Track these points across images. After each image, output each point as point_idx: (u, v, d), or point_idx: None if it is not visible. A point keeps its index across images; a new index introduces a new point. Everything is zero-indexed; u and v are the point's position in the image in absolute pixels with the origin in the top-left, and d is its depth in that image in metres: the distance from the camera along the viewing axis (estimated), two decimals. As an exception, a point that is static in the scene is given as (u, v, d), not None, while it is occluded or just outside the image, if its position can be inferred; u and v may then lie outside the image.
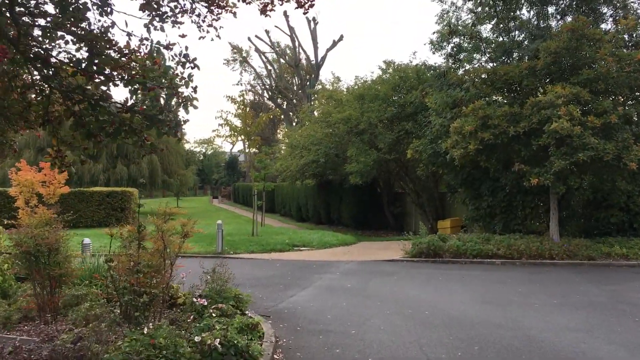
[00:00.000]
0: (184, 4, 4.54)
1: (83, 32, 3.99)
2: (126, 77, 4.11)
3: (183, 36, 4.50)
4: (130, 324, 6.21)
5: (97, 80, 4.11)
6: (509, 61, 16.30)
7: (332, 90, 27.42)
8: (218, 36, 4.85)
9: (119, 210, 25.36)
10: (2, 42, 3.72)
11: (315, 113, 28.95)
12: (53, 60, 4.22)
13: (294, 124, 42.40)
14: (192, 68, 4.41)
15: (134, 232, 6.73)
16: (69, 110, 4.25)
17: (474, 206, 17.41)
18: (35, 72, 4.34)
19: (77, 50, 4.43)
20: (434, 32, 18.26)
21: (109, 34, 4.10)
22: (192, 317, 6.68)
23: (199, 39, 4.80)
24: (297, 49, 47.16)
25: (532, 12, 17.02)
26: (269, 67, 51.00)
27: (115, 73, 4.39)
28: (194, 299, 7.08)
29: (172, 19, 4.50)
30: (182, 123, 4.44)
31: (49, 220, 7.90)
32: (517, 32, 16.94)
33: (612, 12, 16.40)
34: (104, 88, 4.23)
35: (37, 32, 4.26)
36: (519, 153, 13.85)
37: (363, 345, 6.68)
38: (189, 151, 70.61)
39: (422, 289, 10.57)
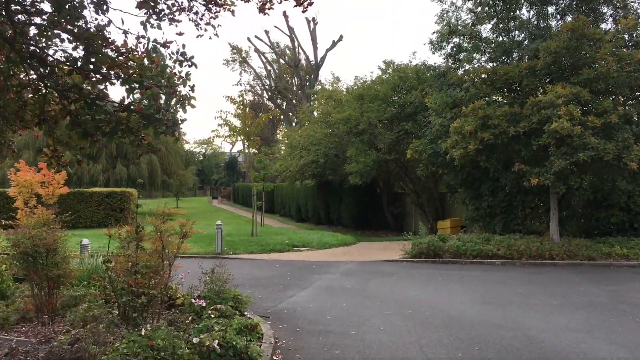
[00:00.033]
0: (182, 2, 4.51)
1: (79, 31, 3.94)
2: (123, 76, 4.06)
3: (180, 34, 4.46)
4: (128, 325, 6.17)
5: (93, 79, 4.07)
6: (508, 61, 16.27)
7: (331, 90, 27.40)
8: (216, 34, 4.81)
9: (119, 211, 25.29)
10: (-2, 40, 3.69)
11: (315, 113, 28.94)
12: (49, 59, 4.18)
13: (294, 124, 42.37)
14: (190, 66, 4.37)
15: (132, 232, 6.69)
16: (65, 109, 4.21)
17: (474, 206, 17.37)
18: (31, 71, 4.30)
19: (74, 49, 4.39)
20: (433, 32, 18.28)
21: (105, 32, 4.05)
22: (190, 318, 6.64)
23: (197, 37, 4.76)
24: (297, 50, 47.14)
25: (532, 12, 17.00)
26: (269, 68, 50.96)
27: (112, 72, 4.35)
28: (193, 300, 7.03)
29: (170, 17, 4.47)
30: (180, 122, 4.40)
31: (46, 220, 7.85)
32: (517, 32, 16.92)
33: (612, 11, 16.38)
34: (100, 87, 4.19)
35: (32, 30, 4.21)
36: (519, 153, 13.81)
37: (363, 346, 6.64)
38: (188, 151, 70.53)
39: (422, 289, 10.53)
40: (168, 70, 4.32)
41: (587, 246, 13.64)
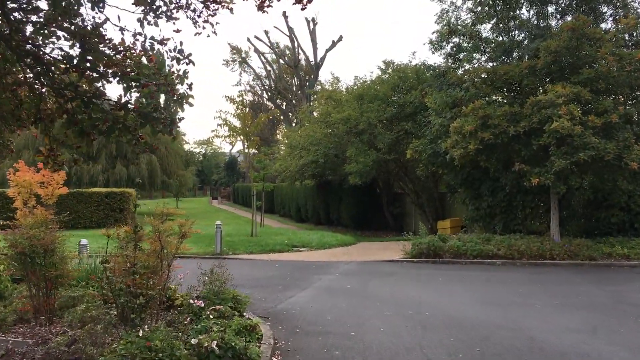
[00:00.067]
0: (179, -1, 4.46)
1: (76, 29, 3.89)
2: (119, 74, 4.01)
3: (178, 31, 4.41)
4: (126, 326, 6.12)
5: (89, 77, 4.02)
6: (508, 61, 16.23)
7: (331, 90, 27.36)
8: (214, 32, 4.76)
9: (118, 211, 25.24)
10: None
11: (315, 113, 28.90)
12: (45, 57, 4.12)
13: (293, 124, 42.32)
14: (187, 64, 4.31)
15: (131, 233, 6.64)
16: (61, 107, 4.15)
17: (474, 206, 17.33)
18: (27, 69, 4.25)
19: (71, 47, 4.34)
20: (433, 32, 18.22)
21: (102, 30, 4.00)
22: (189, 318, 6.59)
23: (195, 35, 4.71)
24: (297, 50, 47.08)
25: (531, 12, 16.96)
26: (268, 68, 50.90)
27: (109, 70, 4.30)
28: (191, 301, 6.98)
29: (167, 14, 4.41)
30: (177, 121, 4.34)
31: (44, 220, 7.80)
32: (516, 32, 16.88)
33: (612, 11, 16.34)
34: (97, 85, 4.14)
35: (29, 28, 4.16)
36: (519, 153, 13.77)
37: (363, 347, 6.59)
38: (188, 152, 70.48)
39: (422, 289, 10.49)
40: (166, 68, 4.26)
41: (588, 246, 13.60)
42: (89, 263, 9.65)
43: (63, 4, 3.71)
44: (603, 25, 16.09)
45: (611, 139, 12.66)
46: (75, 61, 3.91)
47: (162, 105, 4.62)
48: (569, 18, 15.75)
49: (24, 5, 4.25)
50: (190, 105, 4.35)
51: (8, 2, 4.13)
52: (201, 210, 47.92)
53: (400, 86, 22.03)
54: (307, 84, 45.96)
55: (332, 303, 9.22)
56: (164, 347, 5.23)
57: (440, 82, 17.47)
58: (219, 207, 56.02)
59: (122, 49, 4.48)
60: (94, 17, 4.17)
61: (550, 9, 16.77)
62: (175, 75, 4.49)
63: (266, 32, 52.16)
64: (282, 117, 52.26)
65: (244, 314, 7.71)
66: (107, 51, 4.38)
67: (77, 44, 3.94)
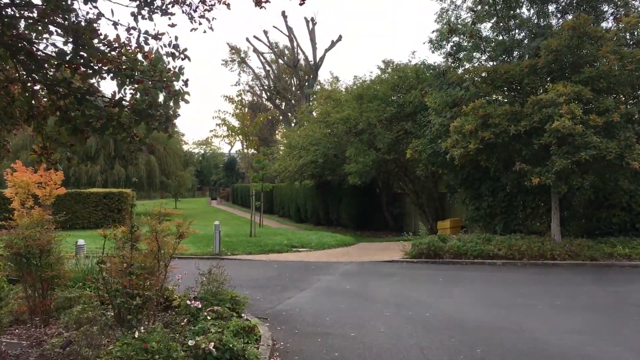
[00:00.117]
0: (175, -7, 4.36)
1: (69, 24, 3.80)
2: (113, 70, 3.92)
3: (173, 25, 4.31)
4: (122, 327, 6.03)
5: (83, 73, 3.93)
6: (509, 60, 16.15)
7: (330, 90, 27.29)
8: (211, 28, 4.66)
9: (116, 212, 25.14)
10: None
11: (314, 113, 28.81)
12: (38, 53, 4.03)
13: (293, 124, 42.23)
14: (183, 59, 4.22)
15: (128, 233, 6.56)
16: (54, 104, 4.06)
17: (474, 206, 17.25)
18: (19, 66, 4.15)
19: (65, 43, 4.24)
20: (433, 31, 18.13)
21: (95, 26, 3.90)
22: (185, 320, 6.49)
23: (191, 30, 4.61)
24: (296, 50, 46.99)
25: (532, 11, 16.89)
26: (268, 68, 50.80)
27: (105, 68, 4.20)
28: (188, 302, 6.89)
29: (162, 8, 4.32)
30: (173, 118, 4.25)
31: (40, 221, 7.72)
32: (517, 31, 16.80)
33: (612, 10, 16.27)
34: (91, 81, 4.04)
35: (21, 24, 4.06)
36: (520, 152, 13.69)
37: (363, 349, 6.50)
38: (187, 152, 70.45)
39: (422, 290, 10.40)
40: (160, 64, 4.16)
41: (589, 246, 13.52)
42: (85, 264, 9.56)
43: (55, -3, 3.62)
44: (603, 24, 16.03)
45: (612, 138, 12.58)
46: (68, 57, 3.81)
47: (160, 103, 4.51)
48: (570, 17, 15.67)
49: (17, 1, 4.16)
50: (186, 102, 4.26)
51: (-1, -2, 4.04)
52: (200, 210, 47.83)
53: (400, 86, 21.96)
54: (307, 84, 45.87)
55: (331, 304, 9.13)
56: (161, 349, 5.14)
57: (440, 82, 17.39)
58: (217, 207, 55.95)
59: (117, 45, 4.39)
60: (87, 13, 4.09)
61: (551, 7, 16.71)
62: (172, 73, 4.40)
63: (265, 32, 52.02)
64: (281, 117, 52.16)
65: (242, 315, 7.62)
66: (102, 47, 4.28)
67: (71, 40, 3.84)
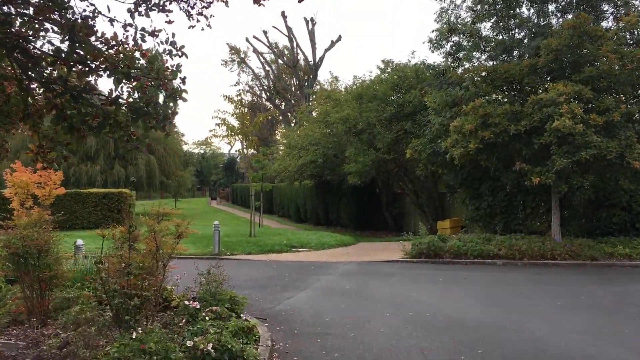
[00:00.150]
0: (173, -10, 4.30)
1: (64, 21, 3.75)
2: (109, 67, 3.87)
3: (170, 22, 4.26)
4: (121, 328, 5.99)
5: (77, 70, 3.88)
6: (509, 59, 16.10)
7: (330, 90, 27.24)
8: (209, 25, 4.61)
9: (116, 212, 25.07)
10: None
11: (314, 113, 28.78)
12: (34, 50, 3.98)
13: (292, 124, 42.19)
14: (180, 57, 4.17)
15: (126, 233, 6.51)
16: (50, 102, 4.02)
17: (474, 206, 17.20)
18: (15, 64, 4.10)
19: (62, 41, 4.20)
20: (433, 31, 18.06)
21: (91, 22, 3.85)
22: (184, 320, 6.45)
23: (189, 28, 4.56)
24: (295, 50, 46.93)
25: (532, 10, 16.84)
26: (267, 68, 50.76)
27: (102, 66, 4.16)
28: (187, 302, 6.85)
29: (160, 6, 4.27)
30: (170, 116, 4.20)
31: (38, 221, 7.67)
32: (516, 30, 16.75)
33: (612, 9, 16.22)
34: (87, 79, 3.99)
35: (17, 21, 4.02)
36: (520, 152, 13.65)
37: (362, 349, 6.45)
38: (187, 152, 70.42)
39: (422, 290, 10.35)
40: (157, 61, 4.11)
41: (590, 246, 13.48)
42: (84, 264, 9.52)
43: (51, -6, 3.57)
44: (603, 24, 15.98)
45: (613, 137, 12.54)
46: (64, 55, 3.77)
47: (160, 103, 4.46)
48: (570, 16, 15.62)
49: (13, -3, 4.11)
50: (184, 100, 4.21)
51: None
52: (200, 210, 47.78)
53: (399, 85, 21.92)
54: (306, 84, 45.84)
55: (331, 304, 9.08)
56: (159, 350, 5.09)
57: (440, 81, 17.35)
58: (217, 207, 55.89)
59: (114, 43, 4.34)
60: (84, 10, 4.04)
61: (551, 7, 16.65)
62: (170, 71, 4.36)
63: (265, 32, 52.00)
64: (280, 117, 52.13)
65: (242, 315, 7.57)
66: (100, 45, 4.24)
67: (67, 37, 3.79)
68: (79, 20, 3.88)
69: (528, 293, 9.83)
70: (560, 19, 16.23)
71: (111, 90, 4.07)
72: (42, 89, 4.16)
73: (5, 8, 4.09)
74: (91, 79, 4.12)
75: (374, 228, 26.14)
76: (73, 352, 5.11)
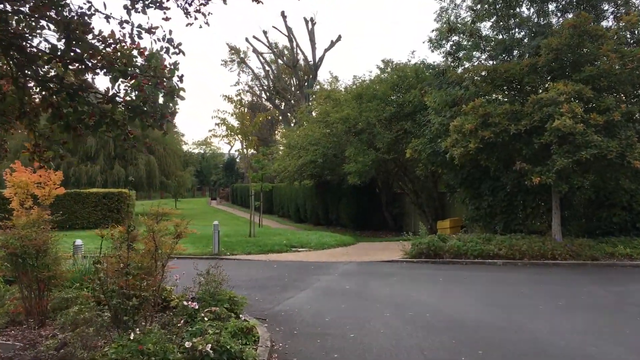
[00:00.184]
0: (170, -13, 4.26)
1: (63, 19, 3.71)
2: (106, 65, 3.83)
3: (167, 19, 4.22)
4: (119, 329, 5.95)
5: (73, 67, 3.84)
6: (508, 59, 16.06)
7: (330, 90, 27.21)
8: (207, 23, 4.56)
9: (115, 212, 25.04)
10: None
11: (313, 113, 28.75)
12: (29, 47, 3.94)
13: (292, 124, 42.16)
14: (177, 54, 4.13)
15: (125, 233, 6.47)
16: (46, 101, 3.98)
17: (474, 206, 17.16)
18: (10, 61, 4.06)
19: (59, 39, 4.16)
20: (432, 30, 18.02)
21: (87, 19, 3.81)
22: (182, 321, 6.40)
23: (187, 25, 4.52)
24: (295, 50, 46.87)
25: (532, 10, 16.79)
26: (267, 68, 50.70)
27: (99, 64, 4.12)
28: (185, 302, 6.80)
29: (157, 3, 4.22)
30: (168, 115, 4.16)
31: (36, 221, 7.63)
32: (517, 30, 16.71)
33: (613, 9, 16.18)
34: (83, 77, 3.96)
35: (14, 18, 3.98)
36: (520, 151, 13.61)
37: (362, 350, 6.42)
38: (187, 152, 70.34)
39: (422, 290, 10.32)
40: (154, 59, 4.07)
41: (590, 246, 13.44)
42: (83, 264, 9.48)
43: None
44: (604, 23, 15.93)
45: (613, 137, 12.50)
46: (60, 52, 3.73)
47: (159, 103, 4.41)
48: (570, 16, 15.58)
49: (11, -5, 4.07)
50: (182, 98, 4.17)
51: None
52: (200, 210, 47.73)
53: (399, 85, 21.87)
54: (306, 84, 45.79)
55: (331, 304, 9.05)
56: (157, 351, 5.06)
57: (440, 81, 17.30)
58: (217, 207, 55.85)
59: (112, 41, 4.30)
60: (81, 7, 4.00)
61: (551, 6, 16.61)
62: (168, 69, 4.31)
63: (265, 32, 51.92)
64: (280, 118, 52.09)
65: (241, 315, 7.53)
66: (97, 44, 4.20)
67: (63, 35, 3.75)
68: (75, 18, 3.84)
69: (528, 293, 9.79)
70: (561, 19, 16.19)
71: (108, 88, 4.03)
72: (39, 87, 4.11)
73: (1, 6, 4.05)
74: (88, 77, 4.08)
75: (373, 228, 26.10)
76: (70, 353, 5.08)
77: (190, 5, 4.39)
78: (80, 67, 3.91)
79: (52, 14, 3.81)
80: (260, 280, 11.65)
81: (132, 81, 3.88)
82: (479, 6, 17.01)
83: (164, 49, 4.11)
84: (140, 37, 4.06)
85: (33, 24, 4.14)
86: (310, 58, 46.21)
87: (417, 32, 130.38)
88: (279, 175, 27.11)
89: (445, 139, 14.86)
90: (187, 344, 5.30)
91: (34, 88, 4.26)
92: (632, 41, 15.34)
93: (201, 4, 4.42)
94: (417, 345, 6.55)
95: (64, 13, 3.81)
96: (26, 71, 3.94)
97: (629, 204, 15.06)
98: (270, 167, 26.82)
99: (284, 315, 8.29)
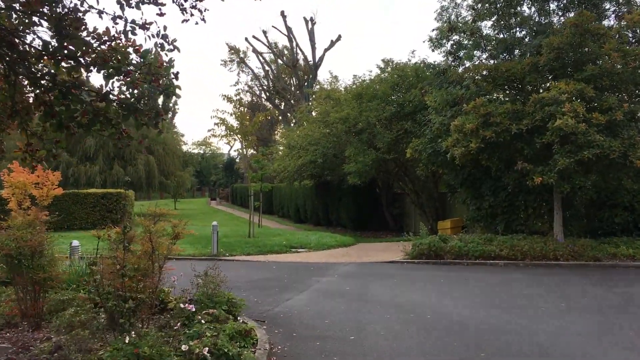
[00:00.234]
0: (164, -17, 4.15)
1: (52, 13, 3.61)
2: (99, 62, 3.72)
3: (161, 15, 4.10)
4: (115, 331, 5.85)
5: (66, 65, 3.74)
6: (510, 58, 15.96)
7: (330, 89, 27.09)
8: (203, 19, 4.45)
9: (114, 212, 24.94)
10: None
11: (313, 113, 28.65)
12: (22, 44, 3.84)
13: (292, 124, 42.06)
14: (172, 50, 4.03)
15: (121, 233, 6.37)
16: (38, 99, 3.87)
17: (475, 206, 17.06)
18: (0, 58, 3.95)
19: (52, 37, 4.05)
20: (433, 30, 17.91)
21: (80, 14, 3.71)
22: (179, 323, 6.30)
23: (182, 22, 4.40)
24: (295, 50, 46.80)
25: (533, 9, 16.70)
26: (267, 68, 50.62)
27: (92, 61, 4.01)
28: (181, 305, 6.70)
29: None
30: (163, 113, 4.05)
31: (32, 221, 7.53)
32: (517, 29, 16.61)
33: (614, 8, 16.08)
34: (77, 75, 3.85)
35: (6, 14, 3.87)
36: (522, 151, 13.51)
37: (362, 353, 6.31)
38: (186, 153, 70.20)
39: (423, 291, 10.22)
40: (149, 55, 3.96)
41: (592, 247, 13.33)
42: (80, 265, 9.38)
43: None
44: (605, 22, 15.81)
45: (616, 136, 12.39)
46: (50, 48, 3.62)
47: (154, 99, 4.30)
48: (571, 15, 15.48)
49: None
50: (177, 96, 4.07)
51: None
52: (199, 211, 47.64)
53: (399, 85, 21.77)
54: (306, 83, 45.71)
55: (330, 306, 8.94)
56: (153, 355, 4.96)
57: (441, 80, 17.20)
58: (217, 207, 55.75)
59: (107, 38, 4.19)
60: (75, 4, 3.89)
61: (552, 5, 16.51)
62: (163, 67, 4.21)
63: (264, 32, 51.87)
64: (280, 117, 52.00)
65: (239, 317, 7.44)
66: (92, 41, 4.10)
67: (54, 30, 3.64)
68: (68, 13, 3.73)
69: (531, 294, 9.68)
70: (562, 18, 16.10)
71: (101, 85, 3.93)
72: (30, 85, 4.01)
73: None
74: (83, 74, 3.97)
75: (374, 228, 26.00)
76: (65, 357, 4.98)
77: (186, 1, 4.28)
78: (72, 63, 3.81)
79: (45, 9, 3.70)
80: (259, 281, 11.54)
81: (127, 78, 3.78)
82: (479, 5, 16.90)
83: (159, 45, 4.01)
84: (134, 33, 3.95)
85: (26, 20, 4.03)
86: (310, 58, 46.15)
87: (417, 32, 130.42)
88: (278, 175, 27.01)
89: (446, 138, 14.76)
90: (184, 347, 5.21)
91: (27, 86, 4.16)
92: (634, 40, 15.22)
93: (197, 0, 4.31)
94: (419, 348, 6.45)
95: (57, 9, 3.70)
96: (18, 68, 3.83)
97: (631, 204, 14.95)
98: (270, 167, 26.72)
99: (283, 317, 8.19)
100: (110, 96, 3.91)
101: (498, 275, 11.88)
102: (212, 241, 16.05)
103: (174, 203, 51.37)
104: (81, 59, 3.76)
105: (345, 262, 14.44)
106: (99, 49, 4.09)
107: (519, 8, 16.56)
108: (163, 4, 4.06)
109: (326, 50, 46.19)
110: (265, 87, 52.84)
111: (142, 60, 3.88)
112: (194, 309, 6.64)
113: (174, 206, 48.08)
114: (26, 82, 4.42)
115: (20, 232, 7.12)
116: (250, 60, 77.17)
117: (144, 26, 3.93)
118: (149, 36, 3.96)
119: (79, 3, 4.03)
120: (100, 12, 3.87)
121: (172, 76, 4.01)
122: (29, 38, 4.22)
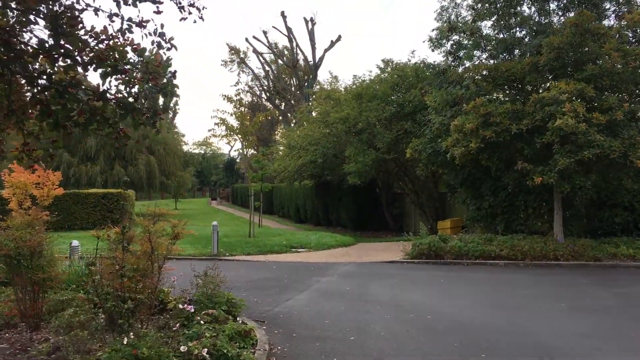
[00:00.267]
0: (162, -20, 4.12)
1: (47, 11, 3.58)
2: (95, 60, 3.70)
3: (159, 12, 4.07)
4: (114, 332, 5.82)
5: (62, 63, 3.71)
6: (510, 58, 15.93)
7: (330, 90, 27.07)
8: (201, 18, 4.42)
9: (115, 212, 24.91)
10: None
11: (313, 113, 28.63)
12: (19, 43, 3.81)
13: (292, 124, 42.04)
14: (169, 49, 4.01)
15: (120, 233, 6.34)
16: (34, 98, 3.85)
17: (475, 206, 17.03)
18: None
19: (50, 36, 4.03)
20: (433, 29, 17.87)
21: (75, 12, 3.68)
22: (178, 324, 6.28)
23: (180, 20, 4.38)
24: (295, 50, 46.78)
25: (533, 9, 16.67)
26: (267, 68, 50.61)
27: (89, 59, 3.99)
28: (180, 305, 6.68)
29: (150, -3, 4.10)
30: (160, 112, 4.03)
31: (31, 221, 7.51)
32: (517, 29, 16.58)
33: (614, 7, 16.05)
34: (73, 73, 3.83)
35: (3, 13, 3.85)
36: (522, 151, 13.48)
37: (362, 353, 6.29)
38: (187, 153, 70.21)
39: (423, 292, 10.19)
40: (146, 54, 3.94)
41: (593, 247, 13.30)
42: (79, 265, 9.36)
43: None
44: (605, 22, 15.78)
45: (616, 136, 12.37)
46: (47, 46, 3.60)
47: (151, 98, 4.28)
48: (571, 14, 15.45)
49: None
50: (175, 95, 4.05)
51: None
52: (200, 211, 47.64)
53: (399, 85, 21.75)
54: (306, 84, 45.69)
55: (330, 306, 8.92)
56: (152, 356, 4.93)
57: (440, 80, 17.17)
58: (217, 207, 55.74)
59: (104, 37, 4.17)
60: (72, 2, 3.87)
61: (552, 5, 16.47)
62: (160, 65, 4.18)
63: (265, 33, 51.82)
64: (280, 118, 51.99)
65: (239, 318, 7.42)
66: (90, 40, 4.08)
67: (49, 28, 3.62)
68: (65, 11, 3.71)
69: (531, 294, 9.66)
70: (562, 17, 16.06)
71: (98, 84, 3.90)
72: (27, 84, 3.98)
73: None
74: (80, 72, 3.94)
75: (374, 228, 25.98)
76: (63, 358, 4.96)
77: (184, -2, 4.26)
78: (68, 62, 3.78)
79: (42, 7, 3.68)
80: (259, 281, 11.52)
81: (124, 77, 3.76)
82: (479, 5, 16.87)
83: (156, 44, 3.98)
84: (130, 31, 3.93)
85: (22, 18, 4.01)
86: (310, 58, 46.13)
87: (417, 32, 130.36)
88: (278, 175, 26.99)
89: (446, 138, 14.73)
90: (183, 348, 5.19)
91: (23, 85, 4.14)
92: (634, 40, 15.19)
93: (195, -2, 4.29)
94: (419, 349, 6.42)
95: (54, 7, 3.68)
96: (14, 67, 3.81)
97: (631, 204, 14.92)
98: (270, 167, 26.69)
99: (283, 318, 8.17)
100: (108, 95, 3.89)
101: (498, 275, 11.86)
102: (212, 241, 16.03)
103: (175, 203, 51.39)
104: (78, 58, 3.74)
105: (345, 262, 14.42)
106: (96, 47, 4.06)
107: (519, 8, 16.53)
108: (160, 2, 4.03)
109: (326, 50, 46.20)
110: (265, 88, 52.83)
111: (139, 58, 3.85)
112: (193, 310, 6.61)
113: (175, 206, 48.07)
114: (22, 81, 4.40)
115: (19, 232, 7.10)
116: (251, 60, 77.22)
117: (141, 24, 3.91)
118: (146, 34, 3.94)
119: (75, 1, 4.01)
120: (96, 10, 3.84)
121: (170, 75, 3.99)
122: (25, 36, 4.20)
